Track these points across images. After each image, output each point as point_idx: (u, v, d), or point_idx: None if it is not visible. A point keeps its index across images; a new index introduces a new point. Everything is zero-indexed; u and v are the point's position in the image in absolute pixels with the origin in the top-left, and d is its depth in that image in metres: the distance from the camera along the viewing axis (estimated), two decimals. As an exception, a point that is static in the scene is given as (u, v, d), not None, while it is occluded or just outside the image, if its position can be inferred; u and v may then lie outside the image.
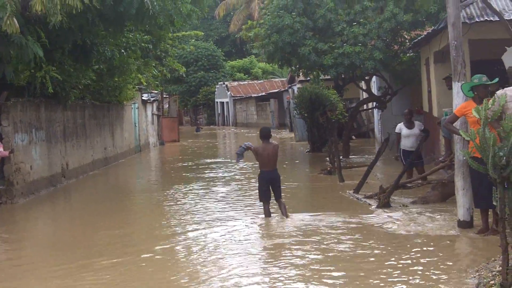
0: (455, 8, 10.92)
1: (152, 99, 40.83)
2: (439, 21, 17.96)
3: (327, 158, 22.44)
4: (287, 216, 13.13)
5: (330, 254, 10.09)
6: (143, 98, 37.83)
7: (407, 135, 15.99)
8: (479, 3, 16.41)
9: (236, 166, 24.51)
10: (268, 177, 13.23)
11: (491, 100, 7.65)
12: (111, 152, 28.75)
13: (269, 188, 13.25)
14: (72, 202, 18.61)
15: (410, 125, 16.13)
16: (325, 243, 10.86)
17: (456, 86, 10.84)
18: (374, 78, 30.13)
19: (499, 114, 7.01)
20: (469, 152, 7.48)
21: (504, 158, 6.43)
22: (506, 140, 6.42)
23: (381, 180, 17.23)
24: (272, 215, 13.39)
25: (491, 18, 15.72)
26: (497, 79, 10.41)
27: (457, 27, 10.91)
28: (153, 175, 25.63)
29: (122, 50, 21.91)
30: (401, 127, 16.22)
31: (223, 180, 20.90)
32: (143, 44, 23.16)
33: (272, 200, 13.52)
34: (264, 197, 13.37)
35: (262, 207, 13.58)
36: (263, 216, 13.41)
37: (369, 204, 14.13)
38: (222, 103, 73.74)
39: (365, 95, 30.73)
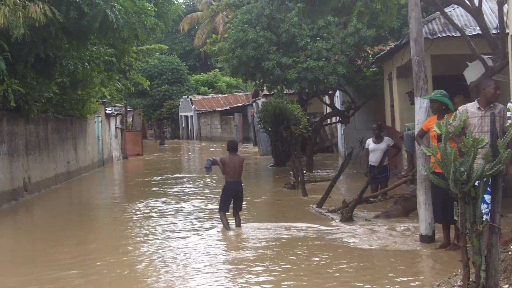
0: (417, 23, 11.03)
1: (115, 112, 40.57)
2: (402, 37, 18.14)
3: (291, 172, 22.46)
4: (239, 226, 13.63)
5: (291, 268, 10.06)
6: (106, 111, 37.56)
7: (373, 150, 15.91)
8: (441, 19, 16.61)
9: (198, 181, 24.55)
10: (233, 187, 13.60)
11: (452, 116, 7.73)
12: (74, 166, 28.48)
13: (231, 199, 13.63)
14: (34, 216, 18.38)
15: (377, 140, 16.00)
16: (286, 257, 10.83)
17: (418, 101, 10.94)
18: (337, 93, 30.29)
19: (460, 129, 7.09)
20: (430, 167, 7.54)
21: (465, 173, 6.49)
22: (467, 156, 6.48)
23: (344, 194, 17.29)
24: (230, 226, 13.64)
25: (453, 34, 15.91)
26: (452, 106, 10.52)
27: (419, 43, 11.02)
28: (116, 189, 25.44)
29: (86, 63, 21.74)
30: (369, 142, 16.17)
31: (186, 195, 20.80)
32: (106, 57, 23.01)
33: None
34: (225, 208, 13.70)
35: (220, 219, 13.77)
36: (222, 228, 13.60)
37: (332, 219, 14.15)
38: (187, 116, 73.57)
39: (328, 109, 30.88)
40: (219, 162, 13.62)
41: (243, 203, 14.34)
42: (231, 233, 13.28)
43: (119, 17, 16.46)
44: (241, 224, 13.79)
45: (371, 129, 16.52)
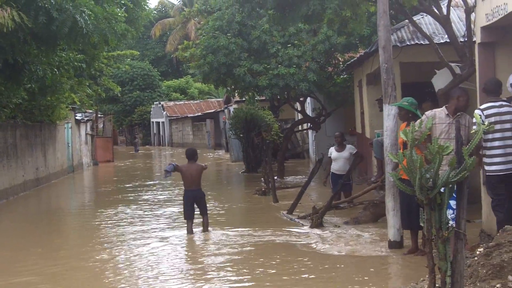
0: (386, 31, 11.11)
1: (86, 118, 40.39)
2: (372, 44, 18.25)
3: (262, 179, 22.50)
4: (207, 231, 13.80)
5: (258, 275, 10.07)
6: (76, 117, 37.37)
7: (336, 158, 15.81)
8: (410, 27, 16.74)
9: (168, 187, 24.51)
10: (191, 196, 13.74)
11: (417, 122, 7.79)
12: (43, 173, 28.28)
13: (193, 206, 13.77)
14: (1, 223, 18.21)
15: (340, 148, 15.92)
16: (255, 263, 10.86)
17: (387, 108, 11.02)
18: (308, 99, 30.39)
19: (425, 136, 7.14)
20: (396, 174, 7.58)
21: (431, 180, 6.53)
22: (432, 163, 6.53)
23: (314, 200, 17.35)
24: (201, 231, 13.82)
25: (422, 42, 16.05)
26: (418, 115, 10.60)
27: (388, 50, 11.10)
28: (85, 196, 25.27)
29: (55, 69, 21.56)
30: (331, 151, 16.08)
31: (156, 201, 20.73)
32: (76, 63, 22.84)
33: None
34: (187, 216, 13.83)
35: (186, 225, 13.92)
36: (187, 234, 13.73)
37: (302, 225, 14.20)
38: (158, 123, 73.37)
39: (300, 116, 30.97)
40: (179, 167, 13.77)
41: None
42: (197, 238, 13.40)
43: (88, 22, 16.38)
44: (209, 229, 13.95)
45: (334, 136, 16.44)
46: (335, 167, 15.84)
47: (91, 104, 37.63)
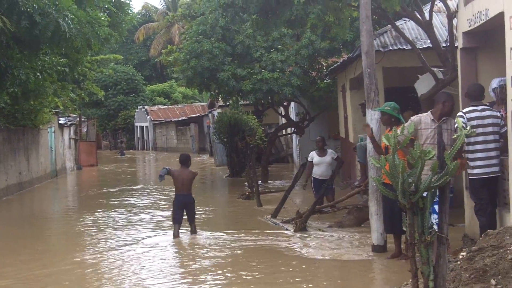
0: (369, 36, 11.15)
1: (69, 123, 40.24)
2: (355, 49, 18.32)
3: (246, 183, 22.50)
4: (195, 233, 13.97)
5: (242, 279, 10.09)
6: (60, 122, 37.23)
7: (318, 163, 15.73)
8: (392, 32, 16.82)
9: (153, 192, 24.50)
10: (181, 200, 13.84)
11: (400, 127, 7.83)
12: (26, 177, 28.14)
13: (182, 211, 13.86)
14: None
15: (321, 153, 15.83)
16: (240, 267, 10.87)
17: (370, 113, 11.06)
18: (292, 104, 30.44)
19: (408, 141, 7.17)
20: (379, 179, 7.62)
21: (413, 184, 6.57)
22: (415, 167, 6.56)
23: (298, 205, 17.36)
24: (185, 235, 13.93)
25: (404, 47, 16.12)
26: (402, 121, 10.65)
27: (371, 55, 11.14)
28: (69, 200, 25.17)
29: (38, 73, 21.50)
30: (313, 155, 15.97)
31: (140, 206, 20.67)
32: (59, 67, 22.77)
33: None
34: (175, 220, 13.90)
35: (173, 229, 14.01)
36: (173, 237, 13.79)
37: (286, 229, 14.21)
38: (142, 127, 73.15)
39: (284, 120, 31.01)
40: (171, 172, 13.90)
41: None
42: (181, 243, 13.45)
43: (71, 26, 16.34)
44: (196, 233, 14.05)
45: (316, 141, 16.36)
46: (318, 172, 15.79)
47: (75, 108, 37.51)
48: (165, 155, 55.85)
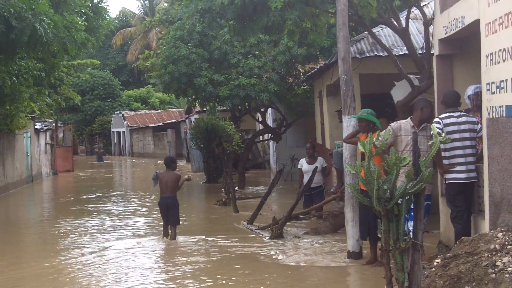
0: (345, 43, 11.17)
1: (45, 128, 39.97)
2: (332, 55, 18.36)
3: (223, 189, 22.46)
4: (174, 239, 14.10)
5: (219, 284, 10.06)
6: (36, 127, 36.97)
7: (308, 171, 15.16)
8: (369, 38, 16.88)
9: (129, 198, 24.48)
10: (164, 202, 14.22)
11: (376, 134, 7.85)
12: (1, 182, 27.91)
13: (166, 213, 14.23)
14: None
15: (311, 160, 15.40)
16: (215, 273, 10.84)
17: (346, 120, 11.07)
18: (269, 110, 30.45)
19: (384, 148, 7.19)
20: (354, 185, 7.63)
21: (388, 191, 6.58)
22: (390, 174, 6.58)
23: (274, 211, 17.35)
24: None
25: (381, 54, 16.19)
26: (379, 124, 10.68)
27: (347, 62, 11.16)
28: (44, 206, 24.97)
29: (14, 78, 21.32)
30: (302, 163, 15.57)
31: (116, 212, 20.58)
32: (35, 71, 22.59)
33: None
34: (163, 220, 14.40)
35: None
36: (163, 235, 14.35)
37: (263, 235, 14.19)
38: (119, 132, 72.85)
39: (261, 126, 31.02)
40: (158, 174, 14.47)
41: (181, 219, 14.86)
42: (155, 249, 13.51)
43: (48, 31, 16.21)
44: (176, 238, 14.18)
45: (305, 148, 15.98)
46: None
47: (51, 113, 37.25)
48: (140, 162, 55.61)
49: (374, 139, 6.96)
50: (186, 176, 14.92)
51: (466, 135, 9.27)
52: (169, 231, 14.17)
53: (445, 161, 9.31)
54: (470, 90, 9.79)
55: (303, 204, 15.41)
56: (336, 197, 14.58)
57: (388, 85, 15.39)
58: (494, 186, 8.07)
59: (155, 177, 14.42)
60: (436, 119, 9.38)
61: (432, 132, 8.28)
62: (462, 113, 9.40)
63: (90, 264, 12.05)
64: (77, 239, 15.28)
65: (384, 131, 9.08)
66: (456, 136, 9.20)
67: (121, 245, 14.05)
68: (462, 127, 9.26)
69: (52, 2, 17.19)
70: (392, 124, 9.98)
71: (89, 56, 42.72)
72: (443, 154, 9.31)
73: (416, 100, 11.35)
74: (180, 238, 14.31)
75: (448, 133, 9.04)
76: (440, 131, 8.91)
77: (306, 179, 15.15)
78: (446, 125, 9.21)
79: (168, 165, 14.55)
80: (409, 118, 10.00)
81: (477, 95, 9.48)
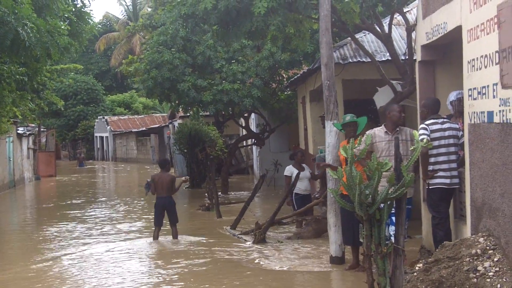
0: (328, 49, 11.21)
1: (28, 132, 39.79)
2: (315, 61, 18.39)
3: (206, 194, 22.44)
4: (176, 238, 14.82)
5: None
6: (18, 131, 36.80)
7: (301, 178, 14.66)
8: (352, 44, 16.93)
9: (110, 204, 24.46)
10: (161, 203, 14.72)
11: (358, 140, 7.88)
12: (-18, 187, 27.78)
13: (162, 214, 14.76)
14: None
15: (301, 168, 14.97)
16: (198, 278, 10.84)
17: (329, 125, 11.10)
18: (252, 115, 30.46)
19: (365, 153, 7.22)
20: (336, 190, 7.65)
21: (370, 196, 6.61)
22: (371, 179, 6.61)
23: (257, 216, 17.36)
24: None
25: (364, 59, 16.24)
26: (365, 119, 10.72)
27: (330, 68, 11.19)
28: (27, 212, 24.84)
29: (-4, 83, 21.23)
30: (292, 170, 14.96)
31: (99, 218, 20.52)
32: (18, 76, 22.46)
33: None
34: (156, 222, 14.89)
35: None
36: (153, 239, 14.80)
37: (245, 240, 14.20)
38: (102, 137, 72.62)
39: (244, 131, 31.02)
40: (152, 177, 14.93)
41: (164, 224, 15.04)
42: (136, 255, 13.47)
43: (31, 35, 16.13)
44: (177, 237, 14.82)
45: (297, 155, 15.30)
46: (302, 187, 14.88)
47: (34, 118, 37.05)
48: (123, 167, 55.42)
49: (356, 145, 6.99)
50: (183, 178, 15.55)
51: (451, 141, 9.32)
52: (166, 232, 14.82)
53: (429, 167, 9.35)
54: (452, 96, 9.84)
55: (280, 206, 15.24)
56: (319, 202, 14.59)
57: (371, 91, 15.43)
58: (476, 191, 8.12)
59: (147, 186, 14.84)
60: (423, 125, 9.42)
61: (410, 137, 8.32)
62: (445, 120, 9.46)
63: (72, 269, 12.05)
64: (59, 244, 15.24)
65: (365, 137, 9.12)
66: (442, 142, 9.25)
67: (102, 249, 14.11)
68: (447, 133, 9.32)
69: (35, 6, 17.10)
70: (367, 132, 10.03)
71: (72, 60, 42.53)
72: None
73: (386, 107, 11.42)
74: (164, 242, 14.39)
75: (433, 139, 9.11)
76: (427, 137, 8.97)
77: (301, 186, 14.83)
78: (432, 131, 9.27)
79: (163, 166, 15.07)
80: (382, 125, 10.09)
81: (459, 101, 9.54)
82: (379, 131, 9.90)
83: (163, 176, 14.80)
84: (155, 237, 14.82)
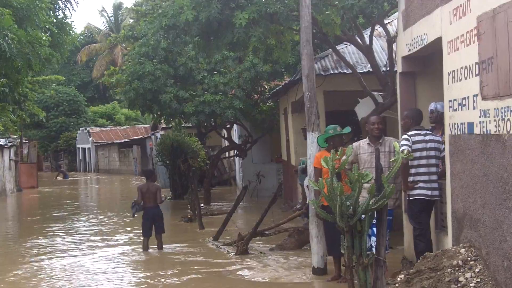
0: (309, 60, 11.22)
1: (9, 144, 39.56)
2: (296, 72, 18.44)
3: (188, 206, 22.39)
4: (161, 249, 14.86)
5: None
6: (0, 143, 36.61)
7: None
8: (333, 56, 17.00)
9: (93, 216, 24.35)
10: (150, 213, 14.70)
11: (339, 151, 7.90)
12: (-37, 199, 27.57)
13: (151, 224, 14.74)
14: None
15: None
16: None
17: (310, 136, 11.11)
18: (235, 127, 30.45)
19: (346, 164, 7.23)
20: (317, 201, 7.66)
21: (351, 207, 6.62)
22: (353, 190, 6.62)
23: (240, 227, 17.33)
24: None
25: (345, 71, 16.31)
26: (349, 128, 10.74)
27: (311, 79, 11.20)
28: (9, 224, 24.67)
29: (-23, 94, 21.14)
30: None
31: (82, 230, 20.42)
32: (-1, 87, 22.42)
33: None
34: (144, 233, 14.91)
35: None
36: (142, 250, 14.81)
37: (228, 251, 14.17)
38: (84, 149, 72.30)
39: (226, 143, 31.00)
40: (138, 188, 14.86)
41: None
42: (119, 266, 13.42)
43: (12, 46, 16.10)
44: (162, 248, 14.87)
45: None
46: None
47: (15, 129, 36.93)
48: (105, 179, 55.21)
49: (337, 156, 7.00)
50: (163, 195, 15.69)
51: (432, 153, 9.38)
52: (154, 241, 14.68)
53: (409, 178, 9.38)
54: (432, 107, 9.96)
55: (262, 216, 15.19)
56: (301, 213, 14.60)
57: (352, 102, 15.50)
58: (457, 202, 8.15)
59: (133, 206, 14.74)
60: (405, 136, 9.47)
61: (394, 148, 8.36)
62: (428, 132, 9.53)
63: (54, 280, 11.94)
64: (43, 255, 15.13)
65: (347, 148, 9.15)
66: (423, 154, 9.30)
67: (89, 260, 14.07)
68: (428, 145, 9.38)
69: (16, 17, 17.05)
70: (353, 144, 10.08)
71: (54, 72, 42.34)
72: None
73: (367, 118, 11.48)
74: (149, 253, 14.50)
75: (415, 150, 9.16)
76: (408, 148, 9.02)
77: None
78: (414, 142, 9.31)
79: (149, 177, 15.13)
80: (367, 137, 10.15)
81: (431, 113, 9.75)
82: (363, 143, 9.97)
83: (148, 186, 14.83)
84: (145, 248, 14.82)
